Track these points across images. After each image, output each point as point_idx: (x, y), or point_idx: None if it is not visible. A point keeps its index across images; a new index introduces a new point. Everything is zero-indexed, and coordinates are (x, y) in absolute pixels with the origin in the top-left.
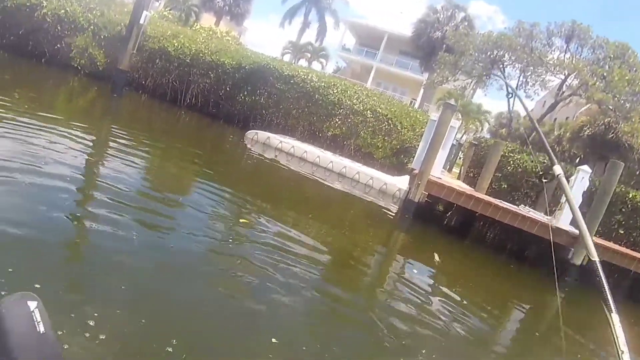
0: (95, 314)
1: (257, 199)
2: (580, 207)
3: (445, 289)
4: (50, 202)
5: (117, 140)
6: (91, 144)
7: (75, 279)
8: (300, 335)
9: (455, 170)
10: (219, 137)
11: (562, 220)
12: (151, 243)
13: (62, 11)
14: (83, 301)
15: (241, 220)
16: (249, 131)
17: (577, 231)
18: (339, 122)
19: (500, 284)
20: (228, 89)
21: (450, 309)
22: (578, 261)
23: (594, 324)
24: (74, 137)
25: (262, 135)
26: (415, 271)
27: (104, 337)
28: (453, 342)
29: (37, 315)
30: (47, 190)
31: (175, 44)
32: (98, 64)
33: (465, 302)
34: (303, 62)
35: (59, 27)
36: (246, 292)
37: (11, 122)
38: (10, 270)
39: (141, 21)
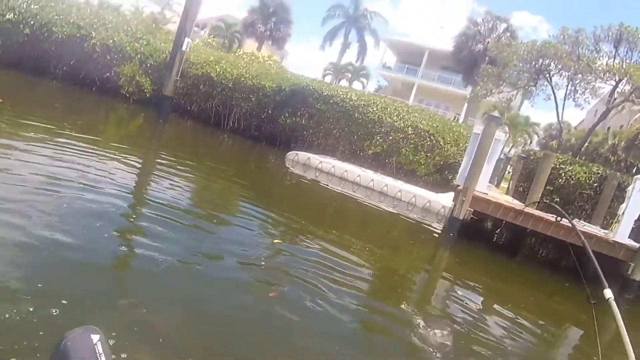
0: (152, 327)
1: (300, 218)
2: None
3: (496, 307)
4: (101, 217)
5: (164, 162)
6: (140, 166)
7: (128, 294)
8: (345, 349)
9: (504, 185)
10: (261, 159)
11: (620, 233)
12: (198, 257)
13: (110, 41)
14: (139, 319)
15: (275, 241)
16: (289, 152)
17: (637, 244)
18: (380, 140)
19: (557, 303)
20: (270, 111)
21: (502, 328)
22: (639, 276)
23: None
24: (123, 160)
25: (303, 156)
26: (462, 290)
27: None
28: None
29: (100, 348)
30: (99, 207)
31: (218, 69)
32: (145, 91)
33: (518, 320)
34: (344, 83)
35: (108, 57)
36: (290, 305)
37: (65, 146)
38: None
39: (183, 48)
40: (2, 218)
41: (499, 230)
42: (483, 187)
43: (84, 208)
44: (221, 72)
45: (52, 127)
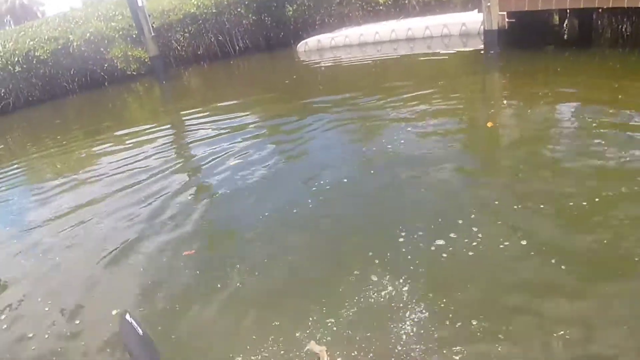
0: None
1: (355, 95)
2: None
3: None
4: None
5: (195, 116)
6: (172, 133)
7: None
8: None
9: None
10: (280, 64)
11: None
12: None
13: (88, 34)
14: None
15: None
16: (299, 44)
17: None
18: None
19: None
20: (269, 16)
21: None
22: None
23: None
24: (158, 137)
25: (312, 41)
26: (529, 110)
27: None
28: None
29: (135, 323)
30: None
31: (195, 2)
32: (145, 60)
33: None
34: None
35: (98, 49)
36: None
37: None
38: None
39: (139, 4)
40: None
41: (557, 24)
42: None
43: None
44: (200, 4)
45: (124, 135)
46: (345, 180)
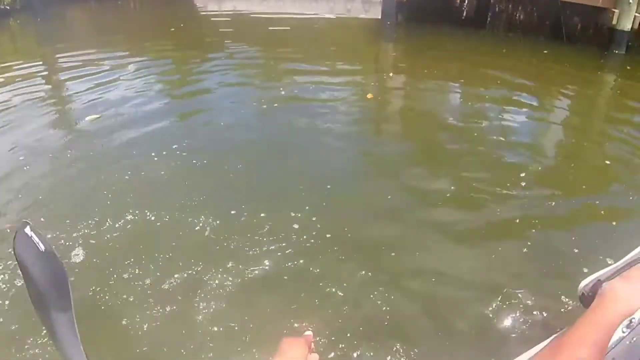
0: None
1: (231, 52)
2: None
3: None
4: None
5: (72, 58)
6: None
7: None
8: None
9: None
10: (174, 10)
11: None
12: None
13: None
14: None
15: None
16: None
17: None
18: None
19: (540, 71)
20: None
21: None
22: (627, 25)
23: None
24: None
25: None
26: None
27: None
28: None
29: (35, 238)
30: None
31: None
32: None
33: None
34: None
35: None
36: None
37: None
38: None
39: None
40: None
41: (457, 3)
42: None
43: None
44: None
45: None
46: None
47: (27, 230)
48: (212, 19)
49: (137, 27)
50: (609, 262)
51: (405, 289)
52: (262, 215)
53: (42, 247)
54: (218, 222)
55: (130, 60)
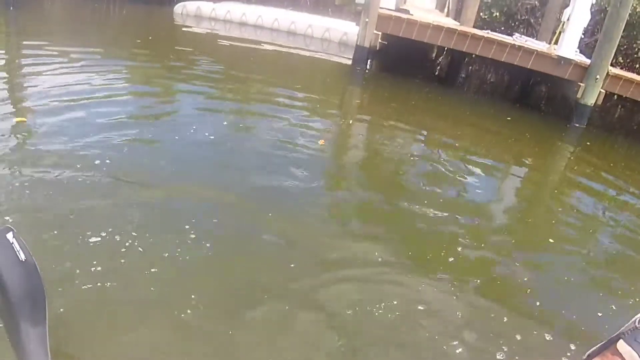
0: None
1: (201, 69)
2: (588, 28)
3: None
4: None
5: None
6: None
7: None
8: None
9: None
10: (152, 21)
11: (566, 45)
12: None
13: None
14: None
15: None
16: (176, 5)
17: (587, 60)
18: None
19: (499, 139)
20: None
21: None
22: (591, 99)
23: None
24: None
25: (191, 6)
26: (366, 136)
27: None
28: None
29: (17, 246)
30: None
31: None
32: None
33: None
34: None
35: None
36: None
37: None
38: None
39: None
40: None
41: (432, 59)
42: (390, 3)
43: None
44: None
45: None
46: None
47: (10, 236)
48: (185, 35)
49: (109, 31)
50: None
51: None
52: None
53: (22, 256)
54: None
55: (84, 64)
